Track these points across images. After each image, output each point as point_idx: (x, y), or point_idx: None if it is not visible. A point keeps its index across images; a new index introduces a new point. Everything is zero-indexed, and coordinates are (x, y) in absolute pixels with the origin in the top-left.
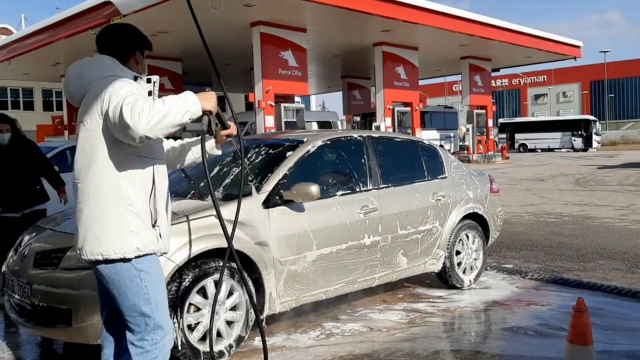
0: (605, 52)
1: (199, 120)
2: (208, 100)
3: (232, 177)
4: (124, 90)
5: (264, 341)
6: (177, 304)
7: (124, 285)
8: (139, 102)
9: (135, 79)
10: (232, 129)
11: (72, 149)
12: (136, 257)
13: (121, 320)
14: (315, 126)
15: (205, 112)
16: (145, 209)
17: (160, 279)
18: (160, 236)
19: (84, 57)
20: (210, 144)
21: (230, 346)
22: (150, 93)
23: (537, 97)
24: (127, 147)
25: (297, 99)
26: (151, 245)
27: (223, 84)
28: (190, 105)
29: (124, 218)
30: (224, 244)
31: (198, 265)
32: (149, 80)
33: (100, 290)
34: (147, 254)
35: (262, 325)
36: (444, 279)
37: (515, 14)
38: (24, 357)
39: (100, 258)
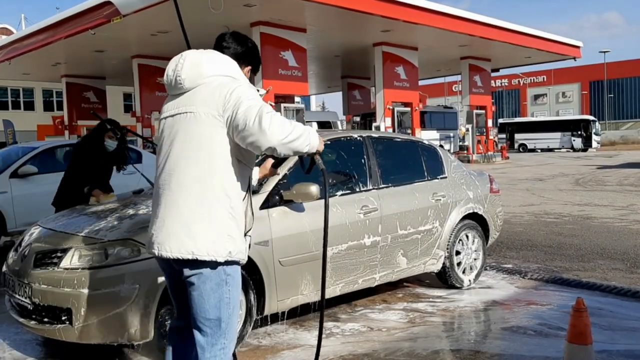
0: (604, 52)
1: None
2: (322, 142)
3: None
4: (259, 100)
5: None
6: None
7: (209, 288)
8: (279, 116)
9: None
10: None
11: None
12: (226, 262)
13: (192, 321)
14: (315, 126)
15: (318, 152)
16: (241, 216)
17: (239, 288)
18: (249, 247)
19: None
20: (255, 172)
21: None
22: None
23: (536, 97)
24: (238, 152)
25: (297, 99)
26: (241, 254)
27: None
28: (314, 141)
29: (224, 221)
30: None
31: None
32: (257, 91)
33: (174, 290)
34: (234, 261)
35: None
36: (444, 279)
37: (514, 14)
38: (25, 357)
39: (190, 257)
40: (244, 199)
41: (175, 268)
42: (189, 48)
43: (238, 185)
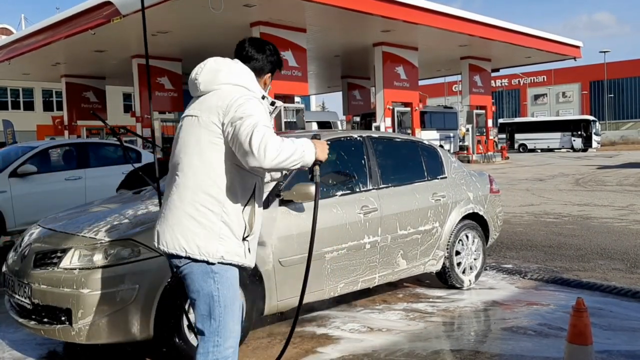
0: (604, 52)
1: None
2: (323, 150)
3: None
4: (257, 116)
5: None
6: (176, 303)
7: (198, 286)
8: (271, 139)
9: (263, 97)
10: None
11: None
12: (219, 263)
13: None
14: (315, 126)
15: (317, 162)
16: (239, 220)
17: (233, 289)
18: (249, 251)
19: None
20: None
21: None
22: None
23: (536, 97)
24: (236, 159)
25: (297, 99)
26: (236, 256)
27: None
28: (308, 157)
29: (215, 224)
30: None
31: None
32: (272, 103)
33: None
34: (229, 264)
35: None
36: (444, 279)
37: (507, 15)
38: (24, 357)
39: (183, 254)
40: (246, 204)
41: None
42: (147, 52)
43: (234, 190)
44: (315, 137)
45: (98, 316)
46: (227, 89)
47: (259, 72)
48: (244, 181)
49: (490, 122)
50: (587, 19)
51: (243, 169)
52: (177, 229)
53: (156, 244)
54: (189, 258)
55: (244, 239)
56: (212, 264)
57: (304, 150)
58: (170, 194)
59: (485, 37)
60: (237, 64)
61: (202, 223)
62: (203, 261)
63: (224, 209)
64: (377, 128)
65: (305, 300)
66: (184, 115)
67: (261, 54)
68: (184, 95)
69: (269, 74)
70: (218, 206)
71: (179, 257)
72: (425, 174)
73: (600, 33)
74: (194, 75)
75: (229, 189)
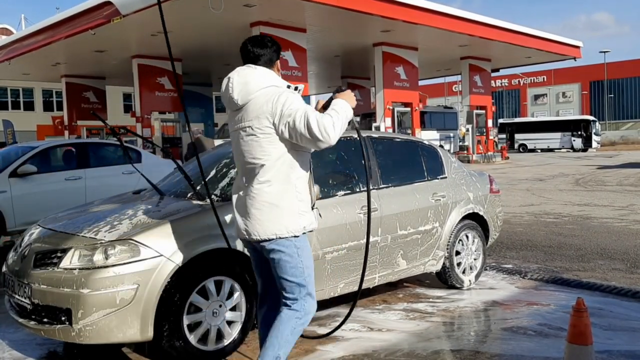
0: (604, 52)
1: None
2: (352, 98)
3: (230, 177)
4: (300, 107)
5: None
6: (176, 303)
7: (287, 260)
8: (324, 120)
9: (288, 87)
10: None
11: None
12: (303, 234)
13: (277, 288)
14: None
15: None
16: (307, 194)
17: (310, 255)
18: (320, 215)
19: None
20: None
21: (230, 346)
22: None
23: (536, 97)
24: (296, 146)
25: None
26: (313, 224)
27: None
28: (349, 112)
29: (294, 204)
30: (224, 245)
31: (198, 266)
32: (295, 88)
33: (258, 266)
34: (305, 233)
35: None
36: (444, 279)
37: (507, 15)
38: (24, 357)
39: (274, 237)
40: (308, 179)
41: (258, 248)
42: (170, 50)
43: (299, 171)
44: (337, 91)
45: (98, 316)
46: (263, 94)
47: (270, 64)
48: (303, 161)
49: (490, 122)
50: (586, 19)
51: (300, 152)
52: (265, 219)
53: (244, 236)
54: (276, 239)
55: (313, 208)
56: (297, 236)
57: (345, 110)
58: (248, 193)
59: (485, 37)
60: (256, 69)
61: (284, 207)
62: (289, 237)
63: (297, 190)
64: (377, 128)
65: None
66: (235, 127)
67: (264, 48)
68: (183, 95)
69: (277, 61)
70: (293, 190)
71: (268, 240)
72: (425, 174)
73: (599, 33)
74: (230, 94)
75: (296, 173)
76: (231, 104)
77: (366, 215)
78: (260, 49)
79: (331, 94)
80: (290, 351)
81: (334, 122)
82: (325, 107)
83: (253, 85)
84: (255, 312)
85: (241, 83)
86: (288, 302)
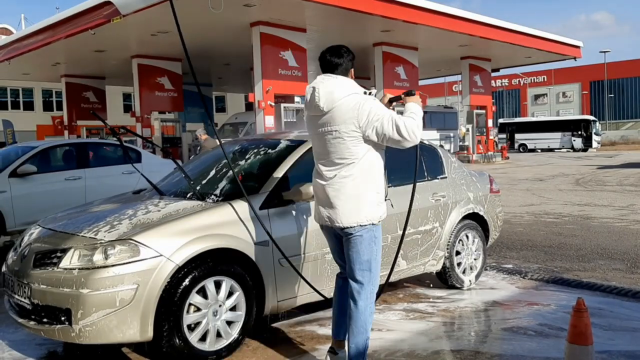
0: (604, 52)
1: None
2: (421, 103)
3: (230, 177)
4: (385, 112)
5: None
6: (176, 303)
7: (363, 245)
8: (408, 122)
9: (364, 93)
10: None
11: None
12: (379, 222)
13: (349, 273)
14: None
15: None
16: (382, 187)
17: (380, 243)
18: (392, 206)
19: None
20: None
21: (230, 346)
22: None
23: (537, 97)
24: (377, 146)
25: (297, 99)
26: (384, 214)
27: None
28: (421, 115)
29: (372, 196)
30: (223, 245)
31: (198, 266)
32: (369, 93)
33: (336, 250)
34: (380, 222)
35: None
36: (444, 279)
37: (506, 15)
38: (24, 357)
39: (355, 225)
40: (383, 174)
41: (340, 234)
42: (185, 48)
43: (377, 167)
44: (409, 94)
45: (98, 316)
46: (346, 102)
47: (346, 72)
48: (380, 159)
49: (490, 122)
50: (586, 18)
51: (378, 150)
52: (348, 209)
53: (327, 223)
54: (358, 227)
55: (385, 200)
56: (374, 224)
57: (420, 113)
58: (332, 186)
59: (485, 37)
60: (337, 79)
61: (364, 199)
62: (369, 225)
63: (375, 183)
64: None
65: (305, 301)
66: (319, 130)
67: (341, 57)
68: (184, 95)
69: (352, 69)
70: (373, 183)
71: (350, 227)
72: (426, 174)
73: (599, 33)
74: (316, 102)
75: (374, 168)
76: (316, 110)
77: None
78: (337, 59)
79: (402, 94)
80: (371, 327)
81: (418, 124)
82: (390, 102)
83: (337, 94)
84: (255, 312)
85: (327, 92)
86: (357, 284)
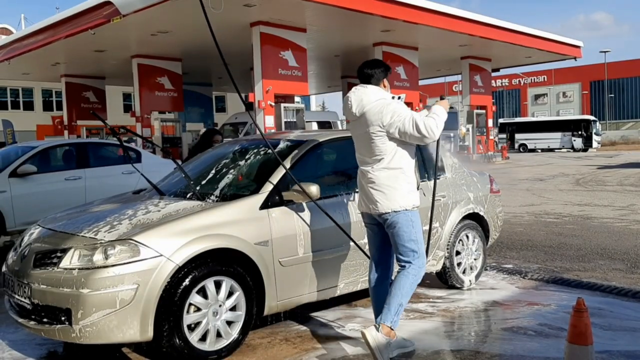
0: (605, 52)
1: None
2: (447, 108)
3: (230, 177)
4: (406, 112)
5: None
6: (176, 303)
7: (402, 229)
8: (428, 121)
9: (393, 97)
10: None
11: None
12: (413, 208)
13: (387, 257)
14: (315, 126)
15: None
16: (414, 178)
17: (420, 226)
18: (424, 194)
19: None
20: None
21: (230, 346)
22: None
23: (537, 97)
24: (404, 142)
25: (297, 99)
26: (417, 202)
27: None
28: (445, 117)
29: (403, 186)
30: (223, 245)
31: (198, 266)
32: (399, 98)
33: (372, 237)
34: (415, 207)
35: None
36: (444, 279)
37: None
38: (24, 357)
39: (390, 211)
40: (414, 166)
41: (379, 221)
42: (218, 47)
43: (407, 160)
44: (440, 98)
45: (98, 316)
46: (373, 107)
47: (378, 81)
48: (410, 153)
49: (490, 122)
50: (585, 18)
51: (407, 146)
52: (383, 198)
53: (365, 211)
54: (394, 212)
55: (417, 189)
56: (408, 210)
57: (443, 114)
58: (370, 178)
59: (485, 37)
60: (366, 88)
61: (397, 188)
62: (403, 211)
63: (406, 175)
64: None
65: (305, 301)
66: (357, 133)
67: (375, 68)
68: (184, 95)
69: (385, 79)
70: (403, 175)
71: (386, 213)
72: (426, 173)
73: (598, 33)
74: (350, 109)
75: (405, 162)
76: (351, 116)
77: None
78: (371, 70)
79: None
80: (409, 300)
81: (437, 123)
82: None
83: (366, 100)
84: (255, 312)
85: (357, 99)
86: (404, 263)
